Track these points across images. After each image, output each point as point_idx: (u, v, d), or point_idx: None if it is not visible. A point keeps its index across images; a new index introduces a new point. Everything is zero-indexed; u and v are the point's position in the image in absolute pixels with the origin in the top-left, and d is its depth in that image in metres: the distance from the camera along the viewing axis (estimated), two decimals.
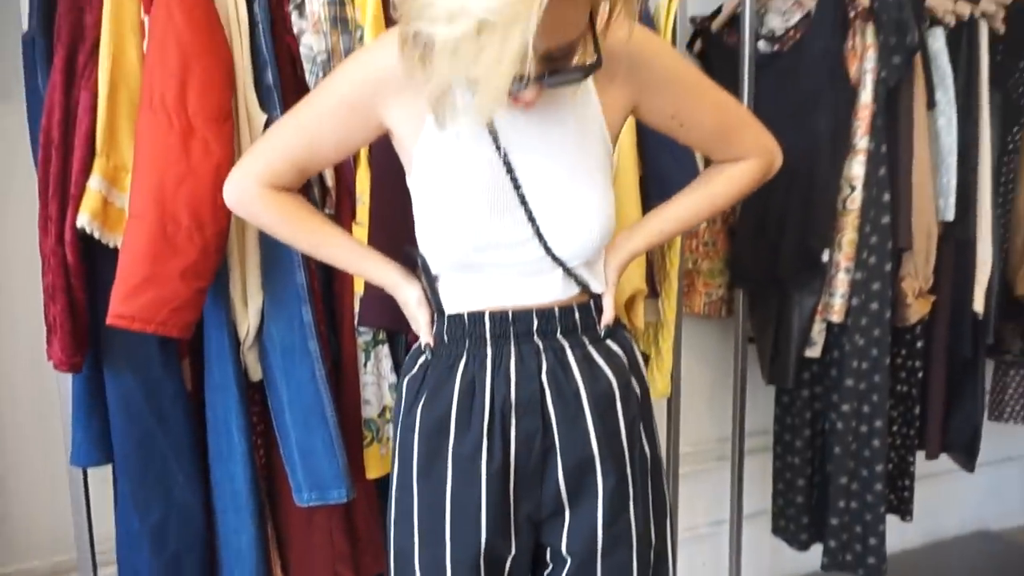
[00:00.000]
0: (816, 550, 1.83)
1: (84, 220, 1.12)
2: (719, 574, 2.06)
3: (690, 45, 1.83)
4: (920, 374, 1.79)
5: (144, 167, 1.10)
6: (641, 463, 0.98)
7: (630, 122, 1.42)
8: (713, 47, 1.79)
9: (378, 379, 1.34)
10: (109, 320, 1.09)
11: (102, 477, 1.35)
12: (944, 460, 1.94)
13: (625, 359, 1.00)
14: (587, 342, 0.96)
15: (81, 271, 1.15)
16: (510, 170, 0.89)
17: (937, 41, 1.62)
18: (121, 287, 1.09)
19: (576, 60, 0.82)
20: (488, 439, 0.93)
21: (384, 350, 1.34)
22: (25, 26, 1.20)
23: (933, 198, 1.65)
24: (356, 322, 1.31)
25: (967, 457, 1.89)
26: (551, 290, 0.94)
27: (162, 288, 1.09)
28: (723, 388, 1.99)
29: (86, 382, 1.23)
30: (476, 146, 0.89)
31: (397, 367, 1.35)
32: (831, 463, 1.73)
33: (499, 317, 0.94)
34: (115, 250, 1.15)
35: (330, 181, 1.26)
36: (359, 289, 1.29)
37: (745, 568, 1.94)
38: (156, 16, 1.11)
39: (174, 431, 1.26)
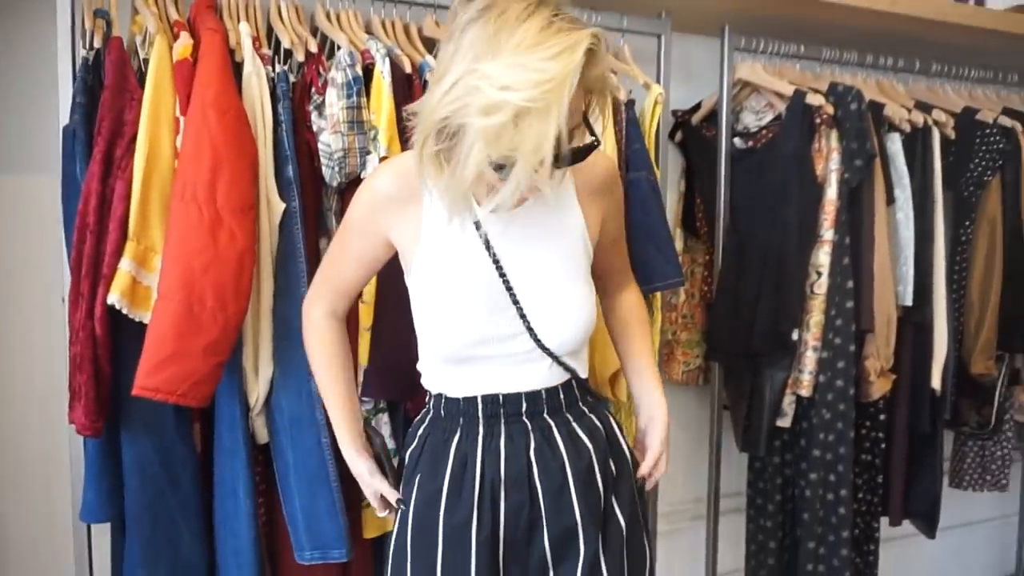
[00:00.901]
0: None
1: (114, 298, 1.22)
2: None
3: (671, 136, 1.98)
4: (883, 445, 1.90)
5: (174, 252, 1.20)
6: (616, 527, 1.05)
7: None
8: (692, 138, 1.94)
9: None
10: (135, 391, 1.18)
11: (102, 530, 1.41)
12: (908, 525, 2.04)
13: (604, 432, 1.09)
14: (571, 419, 1.06)
15: (108, 344, 1.24)
16: (502, 273, 1.00)
17: (894, 144, 1.77)
18: (148, 361, 1.18)
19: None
20: (478, 511, 1.01)
21: (384, 418, 1.44)
22: (63, 118, 1.31)
23: (893, 285, 1.78)
24: (359, 392, 1.41)
25: (928, 524, 1.99)
26: (540, 377, 1.04)
27: (185, 363, 1.19)
28: (699, 451, 2.09)
29: (101, 444, 1.30)
30: (470, 252, 1.00)
31: (395, 434, 1.45)
32: (800, 528, 1.83)
33: (491, 400, 1.03)
34: (139, 324, 1.24)
35: None
36: (363, 362, 1.39)
37: None
38: (192, 116, 1.23)
39: (184, 492, 1.33)
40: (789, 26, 1.84)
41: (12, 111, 1.52)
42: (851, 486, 1.79)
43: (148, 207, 1.24)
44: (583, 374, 1.08)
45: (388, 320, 1.36)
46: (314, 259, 1.33)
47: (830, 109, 1.70)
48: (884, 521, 1.98)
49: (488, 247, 1.00)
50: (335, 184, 1.36)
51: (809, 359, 1.76)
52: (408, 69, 1.40)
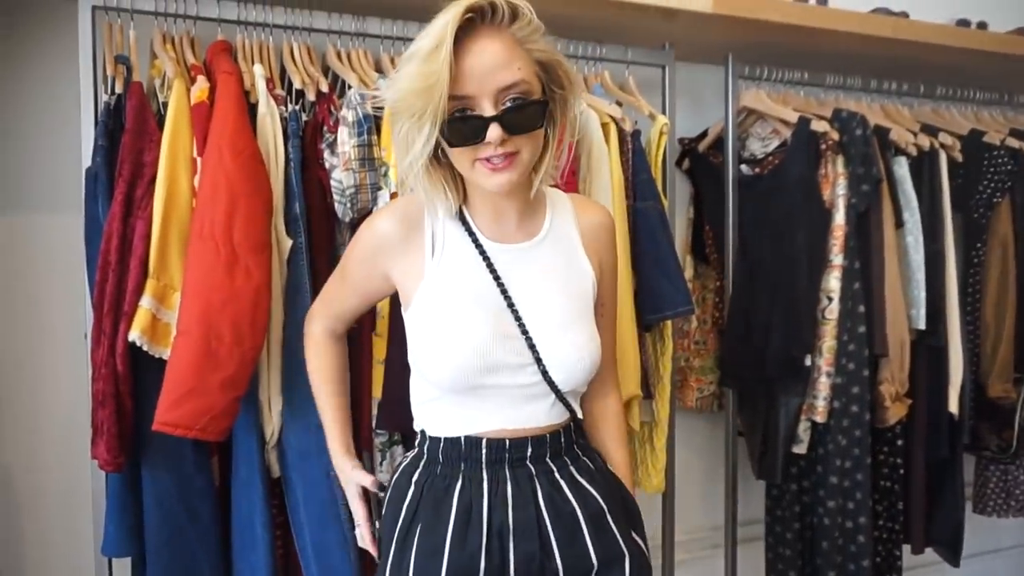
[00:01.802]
0: None
1: (135, 335, 1.25)
2: None
3: (679, 163, 2.00)
4: (902, 471, 1.88)
5: (193, 289, 1.23)
6: (640, 558, 1.04)
7: (623, 241, 1.57)
8: (699, 166, 1.96)
9: None
10: (155, 426, 1.21)
11: (123, 565, 1.43)
12: (932, 553, 2.00)
13: (602, 473, 1.08)
14: (569, 463, 1.04)
15: (129, 380, 1.27)
16: (511, 304, 1.00)
17: (901, 168, 1.78)
18: (167, 397, 1.21)
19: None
20: (486, 561, 0.97)
21: (399, 450, 1.45)
22: (86, 160, 1.35)
23: (905, 308, 1.78)
24: (374, 424, 1.42)
25: (951, 552, 1.96)
26: (543, 415, 1.01)
27: (204, 398, 1.21)
28: (716, 478, 2.08)
29: (122, 479, 1.32)
30: (478, 281, 1.00)
31: None
32: (820, 557, 1.81)
33: (496, 444, 1.00)
34: (159, 361, 1.27)
35: None
36: (377, 394, 1.41)
37: None
38: (209, 157, 1.27)
39: (203, 524, 1.35)
40: (792, 53, 1.87)
41: (38, 153, 1.57)
42: (870, 513, 1.77)
43: (167, 246, 1.28)
44: (580, 416, 1.08)
45: (400, 353, 1.37)
46: None
47: (835, 135, 1.72)
48: (907, 549, 1.95)
49: (496, 278, 1.00)
50: (347, 220, 1.40)
51: (823, 385, 1.75)
52: None
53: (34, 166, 1.58)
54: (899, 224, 1.78)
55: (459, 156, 0.94)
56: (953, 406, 1.84)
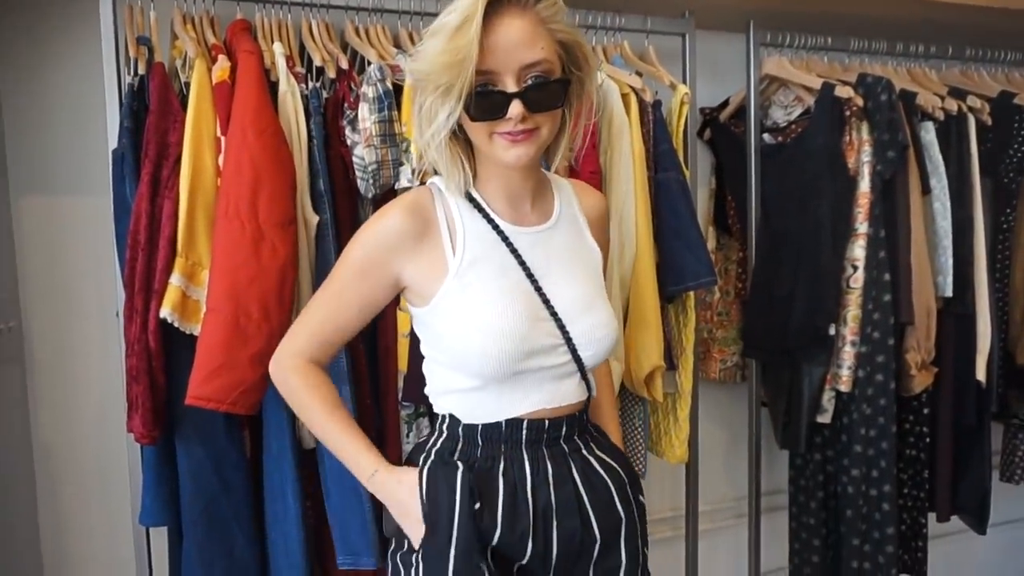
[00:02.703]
0: None
1: (166, 312, 1.28)
2: None
3: (700, 133, 1.98)
4: (928, 440, 1.87)
5: (220, 267, 1.26)
6: (641, 518, 1.09)
7: (645, 212, 1.57)
8: (721, 136, 1.94)
9: None
10: (188, 401, 1.24)
11: (160, 533, 1.47)
12: (958, 521, 2.00)
13: (611, 444, 1.12)
14: (590, 439, 1.07)
15: (161, 355, 1.30)
16: (538, 287, 1.01)
17: (928, 133, 1.75)
18: (199, 372, 1.24)
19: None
20: (533, 542, 0.99)
21: (425, 422, 1.47)
22: (111, 142, 1.37)
23: (932, 276, 1.76)
24: (400, 397, 1.45)
25: (978, 520, 1.95)
26: (572, 393, 1.03)
27: (234, 373, 1.24)
28: (739, 449, 2.09)
29: (157, 451, 1.36)
30: (505, 268, 1.01)
31: None
32: (844, 525, 1.81)
33: (536, 425, 1.01)
34: (190, 337, 1.30)
35: None
36: (403, 367, 1.43)
37: None
38: (232, 136, 1.28)
39: (236, 496, 1.39)
40: (815, 19, 1.84)
41: (66, 135, 1.60)
42: (895, 481, 1.77)
43: (194, 224, 1.30)
44: (595, 392, 1.10)
45: None
46: None
47: (860, 101, 1.69)
48: (932, 517, 1.95)
49: (521, 262, 1.01)
50: (370, 196, 1.41)
51: (847, 354, 1.74)
52: None
53: (63, 148, 1.61)
54: (926, 191, 1.75)
55: (478, 129, 0.94)
56: (981, 374, 1.82)
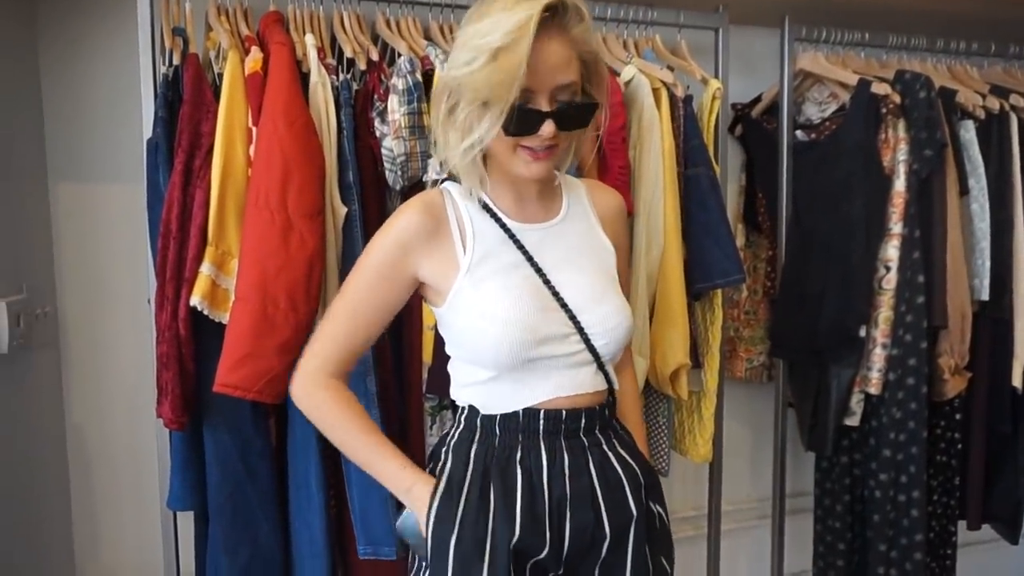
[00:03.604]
0: None
1: (196, 300, 1.29)
2: None
3: (731, 129, 1.95)
4: (959, 446, 1.83)
5: (250, 256, 1.27)
6: (660, 528, 1.09)
7: (674, 207, 1.56)
8: (752, 131, 1.91)
9: None
10: (216, 388, 1.26)
11: (186, 516, 1.50)
12: (990, 530, 1.96)
13: (633, 443, 1.12)
14: (612, 435, 1.08)
15: (191, 343, 1.32)
16: (546, 280, 1.03)
17: (968, 132, 1.71)
18: (227, 360, 1.25)
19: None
20: (550, 531, 1.00)
21: (448, 414, 1.48)
22: (146, 131, 1.39)
23: (968, 279, 1.72)
24: (424, 389, 1.45)
25: (1010, 529, 1.91)
26: (588, 382, 1.05)
27: (261, 362, 1.25)
28: (765, 449, 2.06)
29: (185, 438, 1.38)
30: (513, 264, 1.03)
31: None
32: (871, 530, 1.78)
33: (553, 415, 1.02)
34: (219, 325, 1.32)
35: None
36: (427, 359, 1.44)
37: None
38: (263, 127, 1.29)
39: (261, 483, 1.40)
40: (852, 13, 1.80)
41: (102, 124, 1.63)
42: (924, 488, 1.73)
43: (225, 214, 1.31)
44: (617, 386, 1.11)
45: None
46: None
47: (897, 98, 1.65)
48: (962, 525, 1.91)
49: (528, 257, 1.04)
50: (398, 188, 1.41)
51: (878, 356, 1.71)
52: None
53: (100, 137, 1.64)
54: (964, 191, 1.71)
55: (504, 142, 0.96)
56: (1017, 380, 1.78)
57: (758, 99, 1.91)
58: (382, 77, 1.41)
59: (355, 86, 1.43)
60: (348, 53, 1.43)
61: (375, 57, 1.43)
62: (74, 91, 1.62)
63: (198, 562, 1.47)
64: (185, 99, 1.33)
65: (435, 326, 1.41)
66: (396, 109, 1.36)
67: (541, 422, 1.03)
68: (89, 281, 1.66)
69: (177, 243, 1.31)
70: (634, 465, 1.08)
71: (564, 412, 1.03)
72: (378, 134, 1.40)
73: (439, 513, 1.02)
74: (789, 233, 1.81)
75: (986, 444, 1.84)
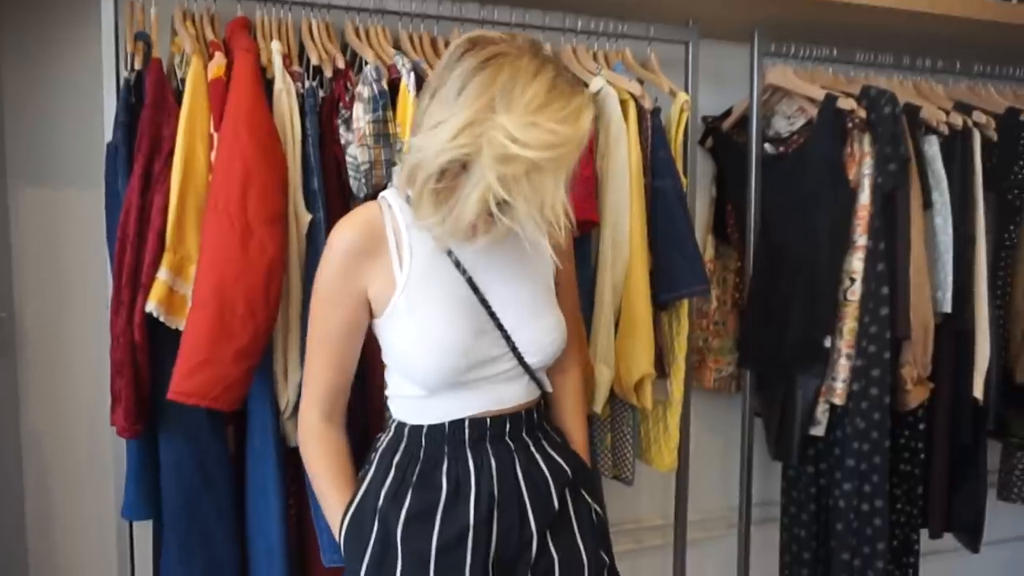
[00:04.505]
0: None
1: (152, 306, 1.28)
2: None
3: (702, 142, 1.96)
4: (923, 456, 1.85)
5: (208, 261, 1.25)
6: (591, 526, 1.10)
7: (640, 217, 1.56)
8: (723, 144, 1.93)
9: None
10: (170, 395, 1.24)
11: (144, 527, 1.48)
12: (955, 540, 1.98)
13: (565, 450, 1.13)
14: (541, 436, 1.10)
15: (146, 349, 1.30)
16: (483, 299, 1.03)
17: (932, 147, 1.73)
18: (182, 367, 1.24)
19: None
20: (474, 532, 1.01)
21: None
22: (108, 135, 1.38)
23: (930, 291, 1.74)
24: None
25: (971, 538, 1.93)
26: (518, 394, 1.07)
27: (217, 369, 1.24)
28: (733, 458, 2.07)
29: (141, 445, 1.36)
30: (451, 283, 1.03)
31: None
32: (834, 539, 1.79)
33: (478, 423, 1.04)
34: (176, 332, 1.30)
35: None
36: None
37: None
38: (225, 133, 1.28)
39: (218, 492, 1.38)
40: (821, 30, 1.82)
41: (65, 128, 1.61)
42: (887, 497, 1.75)
43: (184, 219, 1.30)
44: (549, 389, 1.14)
45: None
46: None
47: (862, 113, 1.67)
48: (925, 534, 1.93)
49: (468, 278, 1.03)
50: (362, 195, 1.40)
51: (843, 367, 1.73)
52: None
53: (62, 141, 1.62)
54: (927, 205, 1.73)
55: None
56: (978, 391, 1.80)
57: (729, 112, 1.92)
58: (348, 85, 1.41)
59: (322, 94, 1.42)
60: (314, 60, 1.43)
61: (341, 65, 1.42)
62: (37, 94, 1.60)
63: (155, 573, 1.45)
64: (147, 103, 1.32)
65: None
66: (361, 117, 1.35)
67: (467, 431, 1.04)
68: (48, 286, 1.64)
69: (134, 248, 1.30)
70: (561, 462, 1.09)
71: (489, 419, 1.05)
72: (343, 141, 1.39)
73: (348, 532, 1.05)
74: (757, 245, 1.82)
75: (948, 454, 1.86)
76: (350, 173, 1.38)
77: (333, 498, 1.09)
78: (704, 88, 1.82)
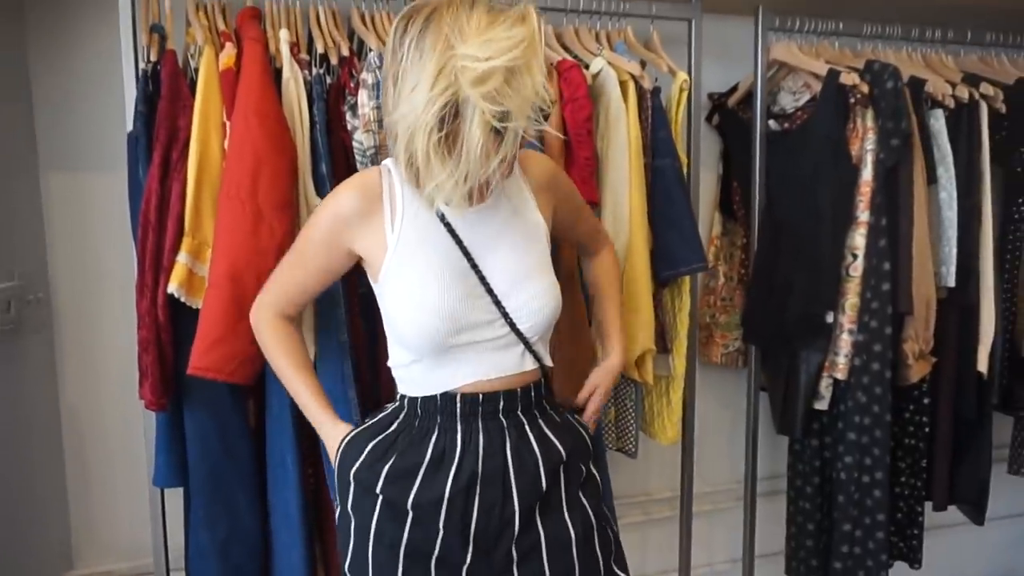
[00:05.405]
0: None
1: (173, 288, 1.35)
2: None
3: (708, 119, 1.97)
4: (927, 429, 1.87)
5: (221, 245, 1.33)
6: (583, 516, 1.12)
7: (640, 198, 1.59)
8: (729, 121, 1.94)
9: None
10: (189, 371, 1.32)
11: (175, 494, 1.57)
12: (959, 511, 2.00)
13: (571, 433, 1.15)
14: (538, 415, 1.12)
15: (169, 328, 1.38)
16: (474, 264, 1.06)
17: (937, 121, 1.72)
18: (200, 344, 1.32)
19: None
20: (449, 503, 1.05)
21: None
22: (129, 125, 1.45)
23: (933, 266, 1.74)
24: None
25: (976, 510, 1.95)
26: (513, 364, 1.09)
27: (232, 345, 1.31)
28: (741, 432, 2.10)
29: (168, 418, 1.45)
30: (442, 248, 1.06)
31: None
32: (836, 510, 1.83)
33: (470, 399, 1.07)
34: (197, 311, 1.38)
35: None
36: None
37: None
38: (235, 122, 1.34)
39: (239, 462, 1.47)
40: (827, 2, 1.81)
41: (90, 116, 1.68)
42: (887, 469, 1.77)
43: (201, 205, 1.37)
44: (549, 363, 1.14)
45: None
46: None
47: (865, 88, 1.67)
48: (929, 507, 1.95)
49: (459, 242, 1.06)
50: None
51: (845, 342, 1.75)
52: None
53: (89, 128, 1.69)
54: (932, 179, 1.73)
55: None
56: (982, 365, 1.81)
57: (734, 89, 1.93)
58: (353, 72, 1.45)
59: (329, 81, 1.47)
60: (320, 48, 1.47)
61: (346, 52, 1.47)
62: (64, 84, 1.68)
63: (186, 538, 1.55)
64: (162, 95, 1.38)
65: None
66: (365, 103, 1.40)
67: (458, 406, 1.07)
68: (80, 268, 1.73)
69: (156, 233, 1.37)
70: (556, 443, 1.10)
71: (481, 396, 1.07)
72: (349, 127, 1.44)
73: (342, 461, 1.14)
74: (761, 221, 1.84)
75: (953, 428, 1.88)
76: (357, 158, 1.43)
77: (297, 379, 1.19)
78: (710, 64, 1.82)
